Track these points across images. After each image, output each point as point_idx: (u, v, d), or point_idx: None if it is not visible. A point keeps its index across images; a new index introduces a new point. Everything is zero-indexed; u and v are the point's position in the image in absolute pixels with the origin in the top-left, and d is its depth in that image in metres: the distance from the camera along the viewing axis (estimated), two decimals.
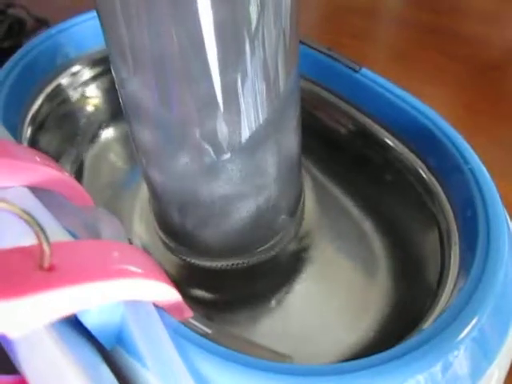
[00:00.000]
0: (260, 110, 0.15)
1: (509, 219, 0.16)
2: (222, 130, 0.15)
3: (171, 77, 0.14)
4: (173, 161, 0.17)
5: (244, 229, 0.19)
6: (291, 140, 0.18)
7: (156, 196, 0.19)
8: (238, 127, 0.15)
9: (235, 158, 0.16)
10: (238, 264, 0.20)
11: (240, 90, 0.15)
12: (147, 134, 0.17)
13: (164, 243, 0.21)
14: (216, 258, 0.20)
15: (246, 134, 0.16)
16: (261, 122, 0.16)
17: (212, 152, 0.16)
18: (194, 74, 0.14)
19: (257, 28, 0.14)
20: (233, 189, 0.17)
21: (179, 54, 0.13)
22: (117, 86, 0.16)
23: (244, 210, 0.18)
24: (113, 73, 0.16)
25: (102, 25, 0.15)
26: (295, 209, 0.21)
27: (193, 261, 0.20)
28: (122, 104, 0.17)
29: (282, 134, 0.17)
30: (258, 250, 0.20)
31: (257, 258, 0.20)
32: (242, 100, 0.15)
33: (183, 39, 0.13)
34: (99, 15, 0.14)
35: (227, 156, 0.16)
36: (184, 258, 0.21)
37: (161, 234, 0.21)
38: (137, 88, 0.15)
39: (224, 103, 0.15)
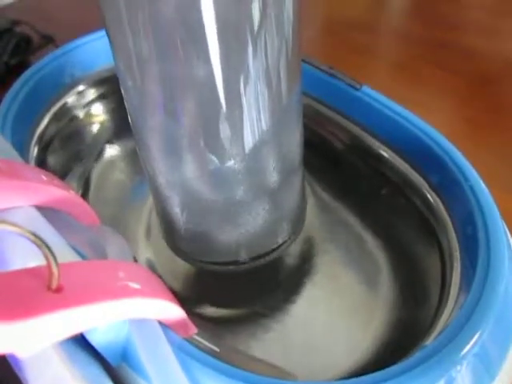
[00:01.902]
0: (263, 118, 0.16)
1: (509, 235, 0.16)
2: (226, 137, 0.16)
3: (176, 86, 0.14)
4: (178, 168, 0.17)
5: (247, 234, 0.19)
6: (293, 145, 0.18)
7: (161, 201, 0.19)
8: (241, 134, 0.16)
9: (239, 164, 0.16)
10: (239, 266, 0.20)
11: (243, 98, 0.15)
12: (153, 143, 0.17)
13: (168, 244, 0.21)
14: (218, 262, 0.20)
15: (248, 140, 0.16)
16: (264, 128, 0.16)
17: (216, 159, 0.16)
18: (198, 83, 0.14)
19: (259, 35, 0.14)
20: (236, 194, 0.17)
21: (183, 63, 0.14)
22: (123, 93, 0.16)
23: (247, 215, 0.18)
24: (120, 83, 0.16)
25: (109, 37, 0.15)
26: (297, 219, 0.21)
27: (195, 266, 0.21)
28: (128, 113, 0.17)
29: (284, 139, 0.17)
30: (260, 255, 0.20)
31: (258, 263, 0.20)
32: (245, 108, 0.15)
33: (187, 46, 0.13)
34: (106, 26, 0.15)
35: (231, 162, 0.16)
36: (188, 261, 0.21)
37: (165, 236, 0.21)
38: (143, 98, 0.15)
39: (227, 111, 0.15)
